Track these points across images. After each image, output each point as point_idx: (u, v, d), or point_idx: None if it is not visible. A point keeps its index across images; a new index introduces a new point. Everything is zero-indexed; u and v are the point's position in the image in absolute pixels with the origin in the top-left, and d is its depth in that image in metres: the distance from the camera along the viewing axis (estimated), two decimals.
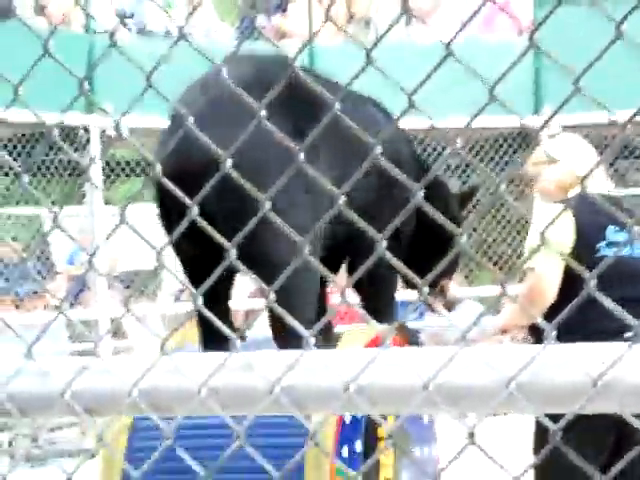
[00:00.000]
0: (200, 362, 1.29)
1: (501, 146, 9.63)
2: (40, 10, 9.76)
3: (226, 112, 3.18)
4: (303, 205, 3.38)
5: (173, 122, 3.43)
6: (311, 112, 2.92)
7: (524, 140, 9.75)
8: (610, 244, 4.60)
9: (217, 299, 3.66)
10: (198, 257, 3.43)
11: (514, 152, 9.66)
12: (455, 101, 8.39)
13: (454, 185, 7.38)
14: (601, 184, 4.90)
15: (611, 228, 4.59)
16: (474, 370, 1.15)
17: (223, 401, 1.28)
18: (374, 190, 3.68)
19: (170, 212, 3.36)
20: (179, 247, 3.41)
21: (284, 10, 10.99)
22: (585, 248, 4.39)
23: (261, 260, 3.10)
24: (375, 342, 4.58)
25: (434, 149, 9.70)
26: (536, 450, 4.52)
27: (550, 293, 4.34)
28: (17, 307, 9.00)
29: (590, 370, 1.06)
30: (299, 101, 3.17)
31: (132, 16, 10.20)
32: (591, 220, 4.50)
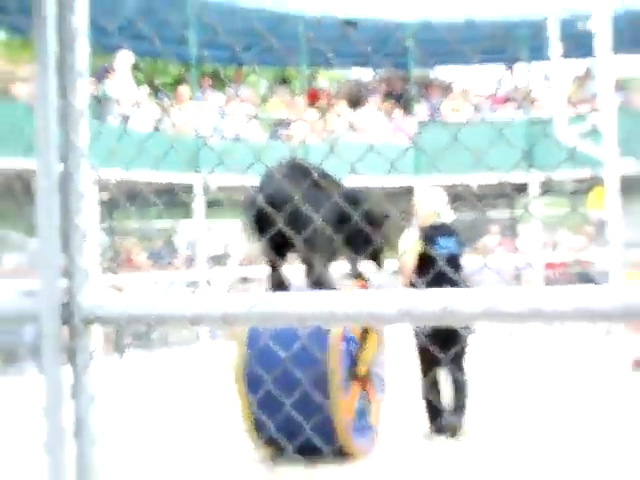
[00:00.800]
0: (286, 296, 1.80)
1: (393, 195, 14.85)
2: None
3: (284, 183, 5.23)
4: (316, 229, 5.58)
5: (263, 183, 5.55)
6: (314, 184, 5.27)
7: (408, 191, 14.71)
8: (439, 246, 6.60)
9: (280, 267, 5.70)
10: (274, 246, 5.50)
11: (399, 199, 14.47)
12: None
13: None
14: (444, 216, 6.81)
15: (440, 239, 6.65)
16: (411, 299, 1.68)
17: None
18: (336, 221, 5.78)
19: (263, 224, 5.37)
20: (268, 241, 5.36)
21: (289, 125, 15.78)
22: (429, 247, 6.48)
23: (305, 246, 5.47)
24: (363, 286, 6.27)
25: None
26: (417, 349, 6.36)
27: (409, 266, 6.49)
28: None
29: (444, 303, 1.64)
30: (309, 181, 5.38)
31: None
32: (432, 234, 6.63)
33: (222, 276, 14.85)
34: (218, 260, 15.53)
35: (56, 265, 2.07)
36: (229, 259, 16.21)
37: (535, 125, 14.77)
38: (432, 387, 6.43)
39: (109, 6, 11.25)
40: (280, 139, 15.58)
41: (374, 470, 4.98)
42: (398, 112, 16.89)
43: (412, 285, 6.31)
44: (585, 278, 14.71)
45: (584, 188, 13.38)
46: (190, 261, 14.76)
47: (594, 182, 10.95)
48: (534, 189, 15.48)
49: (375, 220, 6.29)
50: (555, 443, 5.60)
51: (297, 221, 4.86)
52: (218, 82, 16.84)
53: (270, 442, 5.63)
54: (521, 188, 15.95)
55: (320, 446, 4.93)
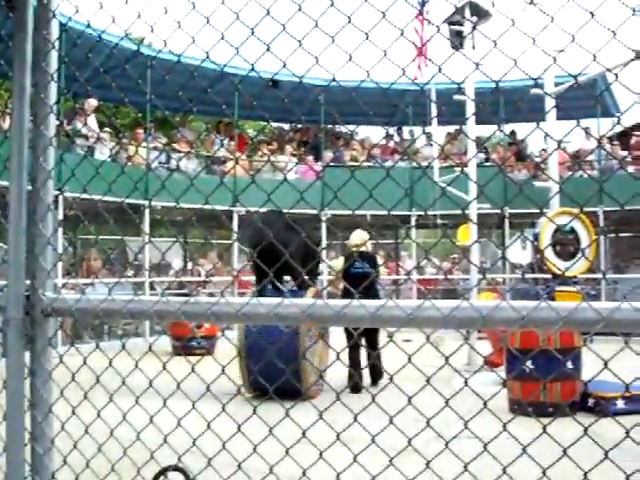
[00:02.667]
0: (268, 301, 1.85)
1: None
2: None
3: (273, 228, 6.11)
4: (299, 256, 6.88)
5: (256, 230, 7.10)
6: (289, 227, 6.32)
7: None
8: (355, 268, 7.77)
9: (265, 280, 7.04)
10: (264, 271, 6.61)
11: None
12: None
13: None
14: (363, 247, 8.16)
15: (356, 263, 7.77)
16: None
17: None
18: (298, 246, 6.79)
19: (263, 256, 5.99)
20: (261, 266, 6.72)
21: (225, 163, 16.26)
22: (346, 269, 7.77)
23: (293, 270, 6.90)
24: None
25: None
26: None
27: (336, 280, 8.80)
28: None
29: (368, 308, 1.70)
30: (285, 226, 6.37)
31: None
32: (351, 260, 7.90)
33: (162, 281, 14.89)
34: (159, 268, 15.65)
35: (22, 265, 2.00)
36: (169, 268, 16.50)
37: (416, 170, 15.34)
38: (354, 361, 8.07)
39: (80, 58, 10.78)
40: (215, 173, 15.81)
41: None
42: (309, 157, 17.42)
43: (343, 293, 7.73)
44: (452, 294, 15.41)
45: (452, 223, 13.77)
46: (137, 268, 14.82)
47: (461, 218, 11.32)
48: (414, 222, 16.13)
49: (315, 244, 7.86)
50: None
51: (282, 246, 5.13)
52: (167, 125, 17.31)
53: (256, 387, 7.26)
54: (404, 220, 16.55)
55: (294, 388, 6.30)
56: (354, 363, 7.95)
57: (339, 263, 8.40)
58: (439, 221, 11.50)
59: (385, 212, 15.12)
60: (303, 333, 7.05)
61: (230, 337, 11.41)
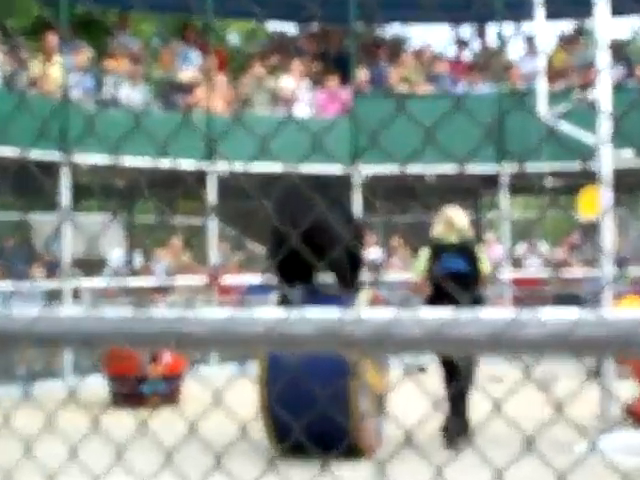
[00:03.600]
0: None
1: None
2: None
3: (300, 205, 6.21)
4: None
5: (281, 207, 6.61)
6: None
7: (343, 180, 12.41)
8: (447, 265, 6.87)
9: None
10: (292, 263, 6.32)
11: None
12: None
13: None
14: (461, 235, 7.15)
15: (449, 258, 6.93)
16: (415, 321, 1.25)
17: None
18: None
19: (280, 242, 6.43)
20: (285, 258, 6.15)
21: (192, 91, 12.21)
22: (434, 267, 6.92)
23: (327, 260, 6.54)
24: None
25: None
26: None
27: (420, 281, 7.22)
28: None
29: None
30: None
31: None
32: (441, 253, 7.06)
33: (93, 285, 11.32)
34: (87, 265, 11.59)
35: None
36: (104, 265, 12.43)
37: (508, 100, 11.66)
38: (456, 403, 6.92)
39: None
40: (176, 108, 11.92)
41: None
42: (332, 78, 13.15)
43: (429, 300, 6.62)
44: (566, 300, 11.61)
45: (569, 185, 10.64)
46: (50, 265, 11.17)
47: (583, 178, 8.57)
48: (504, 183, 12.14)
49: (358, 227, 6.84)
50: None
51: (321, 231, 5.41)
52: (95, 28, 13.23)
53: (285, 439, 6.16)
54: (487, 182, 12.71)
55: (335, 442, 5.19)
56: (456, 406, 6.81)
57: (422, 259, 6.74)
58: (548, 182, 9.26)
59: (457, 168, 10.80)
60: (356, 363, 6.12)
61: (206, 374, 9.40)
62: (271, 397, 5.98)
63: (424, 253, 6.83)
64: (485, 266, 6.55)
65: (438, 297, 6.03)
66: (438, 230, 6.82)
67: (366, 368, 6.22)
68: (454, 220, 6.78)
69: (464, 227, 6.71)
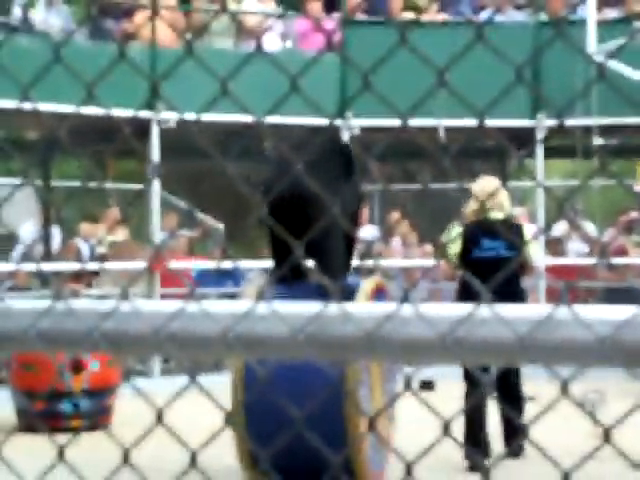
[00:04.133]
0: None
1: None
2: None
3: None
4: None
5: (278, 168, 6.34)
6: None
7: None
8: (482, 249, 6.58)
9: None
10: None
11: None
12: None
13: None
14: (499, 212, 6.91)
15: (484, 240, 6.62)
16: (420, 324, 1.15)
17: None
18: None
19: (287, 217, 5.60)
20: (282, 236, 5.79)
21: (130, 16, 11.47)
22: (466, 251, 6.63)
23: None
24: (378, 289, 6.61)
25: None
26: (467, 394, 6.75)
27: (448, 268, 7.42)
28: None
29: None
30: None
31: None
32: (476, 233, 6.83)
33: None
34: None
35: None
36: (13, 241, 11.63)
37: (547, 32, 10.21)
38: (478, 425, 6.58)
39: None
40: (109, 37, 11.17)
41: None
42: (314, 1, 11.77)
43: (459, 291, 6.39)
44: (618, 295, 10.83)
45: (626, 146, 9.84)
46: None
47: None
48: (540, 142, 11.00)
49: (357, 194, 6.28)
50: None
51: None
52: None
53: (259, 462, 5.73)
54: (518, 139, 11.45)
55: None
56: (477, 429, 6.59)
57: (454, 241, 6.39)
58: (597, 141, 7.98)
59: (477, 121, 9.42)
60: (353, 372, 5.53)
61: (146, 388, 8.23)
62: (248, 416, 5.27)
63: (455, 233, 6.54)
64: (533, 251, 6.22)
65: (471, 289, 5.38)
66: (472, 206, 6.37)
67: (372, 382, 5.70)
68: (492, 194, 6.28)
69: (505, 203, 6.29)
